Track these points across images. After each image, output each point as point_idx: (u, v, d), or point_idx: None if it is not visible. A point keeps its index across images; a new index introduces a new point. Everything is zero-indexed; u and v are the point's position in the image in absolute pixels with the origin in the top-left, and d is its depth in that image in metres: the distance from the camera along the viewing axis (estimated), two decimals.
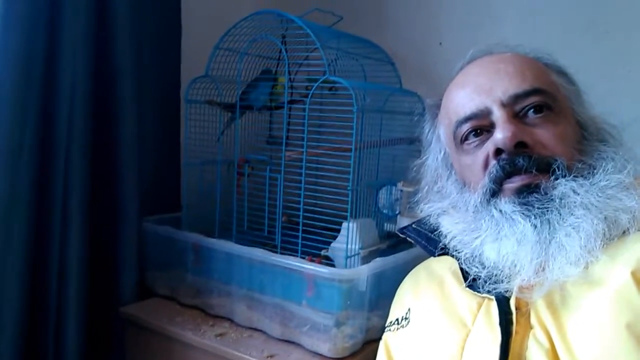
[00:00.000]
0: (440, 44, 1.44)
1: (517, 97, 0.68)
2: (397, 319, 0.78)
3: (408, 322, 0.75)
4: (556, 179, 0.63)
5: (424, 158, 0.83)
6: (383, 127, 1.17)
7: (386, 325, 0.81)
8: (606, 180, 0.63)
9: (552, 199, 0.62)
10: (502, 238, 0.65)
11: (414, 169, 0.85)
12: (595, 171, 0.64)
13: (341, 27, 1.34)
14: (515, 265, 0.63)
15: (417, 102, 1.23)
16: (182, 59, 1.41)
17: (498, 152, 0.67)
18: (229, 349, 1.04)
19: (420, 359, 0.70)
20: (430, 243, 0.78)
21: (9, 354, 1.04)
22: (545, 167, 0.64)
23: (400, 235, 0.83)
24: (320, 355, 1.01)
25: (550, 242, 0.61)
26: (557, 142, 0.66)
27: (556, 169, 0.64)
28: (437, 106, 0.81)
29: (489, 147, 0.68)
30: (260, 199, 1.20)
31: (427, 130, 0.83)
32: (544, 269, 0.62)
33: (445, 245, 0.74)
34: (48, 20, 1.07)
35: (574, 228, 0.61)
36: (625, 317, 0.54)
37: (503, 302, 0.64)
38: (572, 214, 0.61)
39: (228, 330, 1.12)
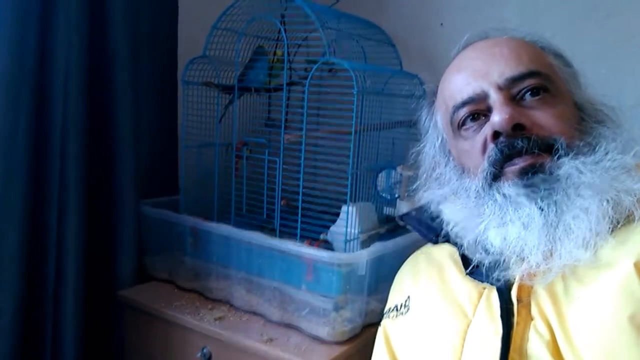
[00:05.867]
0: (442, 24, 1.42)
1: (513, 80, 0.67)
2: (396, 306, 0.78)
3: (408, 309, 0.74)
4: (559, 157, 0.62)
5: (422, 145, 0.82)
6: (383, 109, 1.16)
7: (385, 311, 0.81)
8: (611, 161, 0.62)
9: (558, 179, 0.61)
10: (507, 223, 0.63)
11: (412, 155, 0.84)
12: (595, 149, 0.63)
13: (341, 7, 1.32)
14: (522, 251, 0.62)
15: (418, 85, 1.22)
16: (178, 39, 1.39)
17: (496, 135, 0.66)
18: (227, 332, 1.04)
19: (421, 348, 0.70)
20: (430, 230, 0.77)
21: (7, 338, 1.04)
22: (547, 148, 0.64)
23: (400, 222, 0.82)
24: (319, 339, 1.02)
25: (557, 225, 0.60)
26: (555, 123, 0.65)
27: (558, 147, 0.63)
28: (434, 93, 0.80)
29: (487, 130, 0.67)
30: (258, 182, 1.19)
31: (424, 118, 0.82)
32: (552, 254, 0.61)
33: (447, 233, 0.73)
34: (41, 3, 1.05)
35: (581, 210, 0.60)
36: (628, 309, 0.54)
37: (504, 293, 0.63)
38: (579, 195, 0.60)
39: (227, 313, 1.12)
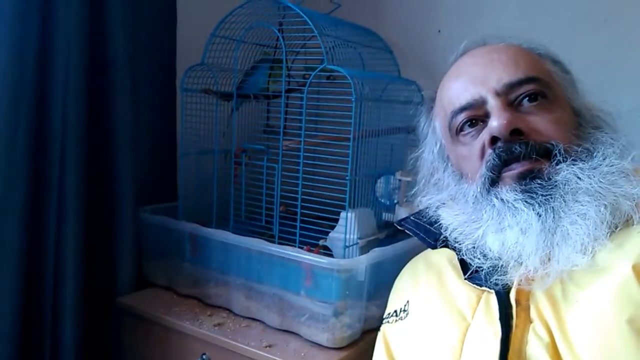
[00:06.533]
0: (439, 31, 1.43)
1: (511, 86, 0.68)
2: (395, 311, 0.78)
3: (407, 314, 0.75)
4: (557, 163, 0.63)
5: (420, 151, 0.83)
6: (381, 116, 1.16)
7: (384, 316, 0.81)
8: (609, 166, 0.62)
9: (555, 185, 0.62)
10: (505, 228, 0.64)
11: (411, 161, 0.84)
12: (593, 155, 0.64)
13: (339, 14, 1.32)
14: (520, 256, 0.63)
15: (416, 91, 1.23)
16: (177, 47, 1.39)
17: (494, 140, 0.67)
18: (227, 339, 1.04)
19: (420, 352, 0.70)
20: (429, 235, 0.77)
21: (6, 345, 1.04)
22: (545, 153, 0.64)
23: (399, 227, 0.83)
24: (319, 345, 1.01)
25: (555, 231, 0.60)
26: (552, 128, 0.66)
27: (556, 153, 0.63)
28: (432, 99, 0.81)
29: (485, 136, 0.68)
30: (257, 188, 1.20)
31: (422, 124, 0.83)
32: (550, 259, 0.61)
33: (445, 238, 0.73)
34: (41, 8, 1.06)
35: (579, 216, 0.60)
36: (627, 312, 0.54)
37: (503, 296, 0.64)
38: (576, 201, 0.61)
39: (226, 320, 1.12)
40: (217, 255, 1.16)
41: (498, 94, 0.68)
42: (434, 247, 0.77)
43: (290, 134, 1.16)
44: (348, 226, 1.06)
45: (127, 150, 1.23)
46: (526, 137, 0.65)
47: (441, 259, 0.77)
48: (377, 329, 0.82)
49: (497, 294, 0.64)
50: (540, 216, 0.61)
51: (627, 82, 1.17)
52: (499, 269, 0.65)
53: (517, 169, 0.65)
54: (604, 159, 0.63)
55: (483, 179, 0.67)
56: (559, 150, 0.63)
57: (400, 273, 0.85)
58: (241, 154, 1.21)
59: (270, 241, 1.11)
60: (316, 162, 1.13)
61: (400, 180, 1.17)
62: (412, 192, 0.83)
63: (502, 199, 0.64)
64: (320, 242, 1.12)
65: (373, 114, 1.12)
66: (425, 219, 0.79)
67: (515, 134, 0.65)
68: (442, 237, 0.74)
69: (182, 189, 1.29)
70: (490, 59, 0.71)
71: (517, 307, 0.62)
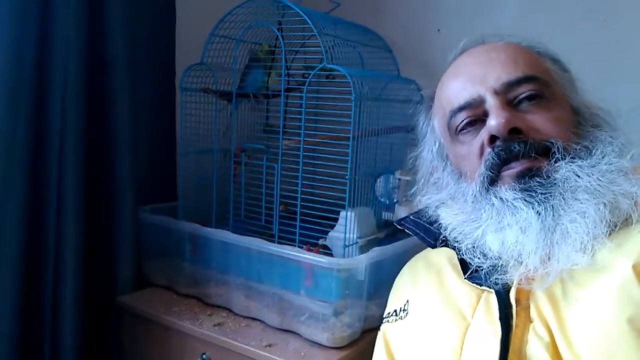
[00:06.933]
0: (439, 30, 1.43)
1: (510, 85, 0.68)
2: (395, 310, 0.78)
3: (407, 313, 0.74)
4: (556, 161, 0.63)
5: (419, 150, 0.83)
6: (381, 115, 1.16)
7: (384, 316, 0.81)
8: (608, 164, 0.62)
9: (555, 183, 0.62)
10: (504, 227, 0.64)
11: (411, 160, 0.84)
12: (592, 153, 0.64)
13: (338, 13, 1.32)
14: (520, 255, 0.63)
15: (415, 90, 1.23)
16: (177, 46, 1.39)
17: (492, 139, 0.67)
18: (227, 338, 1.04)
19: (420, 351, 0.70)
20: (428, 235, 0.77)
21: (5, 344, 1.04)
22: (544, 151, 0.64)
23: (399, 226, 0.83)
24: (319, 344, 1.01)
25: (555, 229, 0.60)
26: (551, 127, 0.66)
27: (555, 151, 0.63)
28: (431, 98, 0.81)
29: (484, 135, 0.68)
30: (257, 188, 1.20)
31: (421, 123, 0.83)
32: (549, 258, 0.61)
33: (445, 237, 0.73)
34: (40, 7, 1.06)
35: (579, 214, 0.60)
36: (627, 311, 0.54)
37: (503, 295, 0.63)
38: (576, 199, 0.61)
39: (226, 319, 1.12)
40: (217, 255, 1.16)
41: (497, 92, 0.68)
42: (433, 247, 0.77)
43: (289, 133, 1.16)
44: (348, 225, 1.06)
45: (126, 150, 1.23)
46: (525, 136, 0.65)
47: (441, 258, 0.77)
48: (377, 328, 0.82)
49: (497, 293, 0.64)
50: (539, 215, 0.61)
51: (627, 80, 1.17)
52: (499, 268, 0.65)
53: (516, 167, 0.64)
54: (602, 157, 0.63)
55: (482, 178, 0.67)
56: (558, 148, 0.63)
57: (400, 272, 0.85)
58: (241, 153, 1.21)
59: (270, 240, 1.11)
60: (316, 162, 1.13)
61: (399, 179, 1.17)
62: (412, 191, 0.83)
63: (501, 198, 0.64)
64: (320, 242, 1.12)
65: (372, 113, 1.12)
66: (424, 218, 0.79)
67: (514, 132, 0.65)
68: (441, 236, 0.74)
69: (182, 189, 1.29)
70: (489, 57, 0.71)
71: (517, 306, 0.62)
